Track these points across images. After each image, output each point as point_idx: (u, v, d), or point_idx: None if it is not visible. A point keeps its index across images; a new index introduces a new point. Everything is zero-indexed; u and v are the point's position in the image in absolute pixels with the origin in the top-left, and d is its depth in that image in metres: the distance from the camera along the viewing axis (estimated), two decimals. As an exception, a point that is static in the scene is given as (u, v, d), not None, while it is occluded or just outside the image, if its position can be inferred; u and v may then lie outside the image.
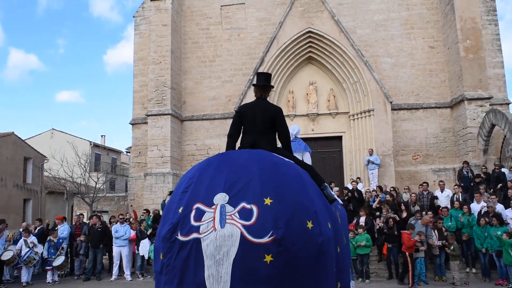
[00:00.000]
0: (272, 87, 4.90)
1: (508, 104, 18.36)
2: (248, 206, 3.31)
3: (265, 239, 3.19)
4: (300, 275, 3.29)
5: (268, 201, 3.33)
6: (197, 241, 3.27)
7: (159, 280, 3.65)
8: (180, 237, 3.36)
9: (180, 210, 3.49)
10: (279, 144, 4.49)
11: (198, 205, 3.42)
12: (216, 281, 3.16)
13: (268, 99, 4.59)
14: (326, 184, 4.13)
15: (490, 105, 17.04)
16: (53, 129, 36.78)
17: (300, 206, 3.43)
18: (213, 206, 3.36)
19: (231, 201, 3.36)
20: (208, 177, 3.61)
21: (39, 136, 36.11)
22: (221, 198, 3.39)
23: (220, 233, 3.22)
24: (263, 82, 4.48)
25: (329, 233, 3.56)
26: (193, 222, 3.35)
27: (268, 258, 3.17)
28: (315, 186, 3.89)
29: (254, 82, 4.52)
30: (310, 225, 3.39)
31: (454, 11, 17.63)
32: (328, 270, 3.52)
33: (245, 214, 3.28)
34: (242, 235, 3.20)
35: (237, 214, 3.29)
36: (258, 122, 4.27)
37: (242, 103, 17.34)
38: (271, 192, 3.39)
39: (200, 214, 3.36)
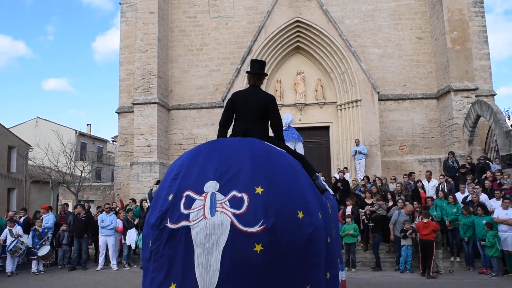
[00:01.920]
0: (266, 75, 4.85)
1: (493, 95, 18.56)
2: (239, 194, 3.29)
3: (256, 228, 3.17)
4: (290, 265, 3.28)
5: (259, 190, 3.31)
6: (187, 229, 3.24)
7: (147, 268, 3.62)
8: (169, 225, 3.33)
9: (170, 198, 3.45)
10: (271, 133, 4.45)
11: (188, 192, 3.39)
12: (205, 270, 3.13)
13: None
14: (317, 174, 4.11)
15: (476, 96, 17.20)
16: (37, 117, 36.24)
17: (291, 196, 3.42)
18: (204, 194, 3.32)
19: (222, 189, 3.33)
20: (199, 165, 3.57)
21: (24, 124, 35.55)
22: (211, 186, 3.35)
23: (210, 221, 3.19)
24: (257, 70, 4.44)
25: (320, 223, 3.55)
26: (182, 210, 3.32)
27: (258, 248, 3.15)
28: (307, 176, 3.87)
29: (247, 69, 4.46)
30: (301, 215, 3.38)
31: (441, 2, 17.70)
32: (318, 260, 3.52)
33: (235, 203, 3.26)
34: (232, 223, 3.18)
35: (227, 203, 3.26)
36: (251, 110, 4.24)
37: (229, 92, 17.26)
38: (263, 181, 3.36)
39: (190, 202, 3.33)
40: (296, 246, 3.29)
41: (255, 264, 3.15)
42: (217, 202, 3.27)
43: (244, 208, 3.23)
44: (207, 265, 3.14)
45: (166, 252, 3.34)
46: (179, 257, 3.26)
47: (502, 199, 11.04)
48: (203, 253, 3.15)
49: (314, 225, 3.43)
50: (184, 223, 3.27)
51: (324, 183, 4.33)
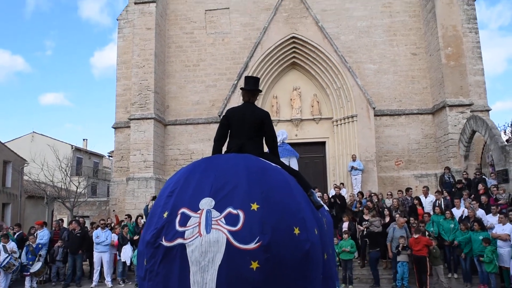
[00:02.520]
0: (260, 91, 4.87)
1: (488, 110, 18.67)
2: (234, 211, 3.26)
3: (252, 245, 3.14)
4: (286, 281, 3.24)
5: (255, 206, 3.28)
6: (182, 247, 3.20)
7: (142, 286, 3.57)
8: (164, 243, 3.29)
9: (165, 215, 3.42)
10: (265, 149, 4.45)
11: (183, 209, 3.35)
12: None
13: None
14: (312, 190, 4.10)
15: (471, 111, 17.29)
16: (34, 132, 36.20)
17: (287, 212, 3.39)
18: (199, 211, 3.29)
19: (217, 206, 3.30)
20: (194, 182, 3.54)
21: (19, 139, 35.47)
22: (207, 203, 3.32)
23: (206, 238, 3.16)
24: (251, 86, 4.44)
25: (316, 239, 3.52)
26: (178, 227, 3.28)
27: (255, 265, 3.11)
28: (302, 191, 3.85)
29: (242, 86, 4.47)
30: (297, 231, 3.35)
31: (435, 19, 17.89)
32: (315, 276, 3.49)
33: (231, 220, 3.22)
34: (228, 241, 3.14)
35: (223, 220, 3.23)
36: (246, 126, 4.23)
37: (226, 108, 17.30)
38: (258, 197, 3.34)
39: (185, 219, 3.30)
40: (292, 262, 3.26)
41: (251, 282, 3.10)
42: (212, 219, 3.23)
43: (239, 225, 3.19)
44: (203, 283, 3.09)
45: (161, 270, 3.30)
46: (175, 276, 3.22)
47: (498, 214, 11.04)
48: (198, 271, 3.11)
49: (310, 241, 3.40)
50: (179, 240, 3.23)
51: (319, 199, 4.31)
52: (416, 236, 10.76)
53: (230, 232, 3.17)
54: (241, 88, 4.50)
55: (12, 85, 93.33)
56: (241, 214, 3.24)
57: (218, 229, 3.18)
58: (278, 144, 5.41)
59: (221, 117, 4.41)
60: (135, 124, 18.21)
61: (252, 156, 3.96)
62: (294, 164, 6.92)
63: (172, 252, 3.24)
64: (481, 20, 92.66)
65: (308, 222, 3.50)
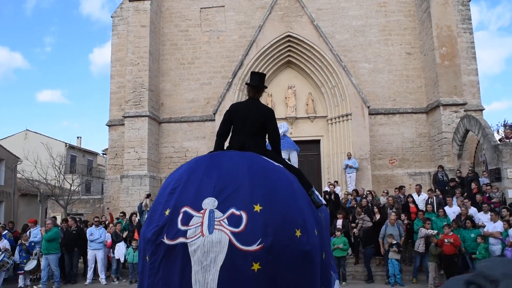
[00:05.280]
0: (266, 87, 4.83)
1: (481, 110, 18.80)
2: (237, 212, 3.27)
3: (254, 247, 3.16)
4: (287, 283, 3.28)
5: (257, 208, 3.30)
6: (184, 246, 3.21)
7: (142, 282, 3.58)
8: (166, 241, 3.30)
9: (166, 213, 3.41)
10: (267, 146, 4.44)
11: (186, 208, 3.35)
12: None
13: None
14: (313, 189, 4.11)
15: (464, 111, 17.41)
16: (27, 130, 35.98)
17: (289, 214, 3.40)
18: (202, 211, 3.30)
19: (220, 206, 3.30)
20: (197, 180, 3.54)
21: (13, 137, 35.24)
22: (210, 203, 3.33)
23: (208, 239, 3.17)
24: (257, 83, 4.38)
25: (316, 240, 3.55)
26: (180, 226, 3.28)
27: (256, 266, 3.14)
28: (304, 192, 3.86)
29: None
30: (298, 233, 3.37)
31: (430, 19, 17.97)
32: (314, 277, 3.53)
33: (234, 221, 3.24)
34: (230, 242, 3.16)
35: (226, 220, 3.24)
36: (249, 123, 4.18)
37: (220, 106, 17.31)
38: (261, 198, 3.35)
39: (187, 218, 3.30)
40: (293, 264, 3.29)
41: (253, 283, 3.13)
42: (215, 219, 3.25)
43: (242, 227, 3.21)
44: (204, 283, 3.11)
45: (162, 268, 3.31)
46: (176, 274, 3.23)
47: (489, 212, 11.13)
48: (200, 271, 3.13)
49: (311, 243, 3.43)
50: (181, 239, 3.24)
51: (320, 198, 4.33)
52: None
53: (233, 233, 3.18)
54: (246, 83, 4.46)
55: (10, 82, 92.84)
56: (244, 215, 3.25)
57: (220, 230, 3.20)
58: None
59: (225, 112, 4.38)
60: (129, 122, 18.16)
61: (255, 155, 3.94)
62: (294, 157, 6.93)
63: (174, 251, 3.25)
64: (481, 21, 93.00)
65: (309, 224, 3.53)
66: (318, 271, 3.60)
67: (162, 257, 3.31)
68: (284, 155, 5.89)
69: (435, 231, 11.31)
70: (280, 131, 6.65)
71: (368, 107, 17.70)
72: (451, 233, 10.84)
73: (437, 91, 17.62)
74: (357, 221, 12.53)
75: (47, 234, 11.76)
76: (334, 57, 17.91)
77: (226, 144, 4.33)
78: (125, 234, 13.20)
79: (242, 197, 3.34)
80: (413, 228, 12.11)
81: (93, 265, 12.64)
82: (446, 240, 10.69)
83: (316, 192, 4.20)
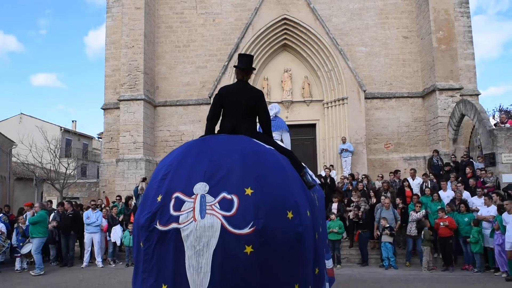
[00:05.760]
0: (254, 69, 4.79)
1: (477, 95, 18.78)
2: (228, 196, 3.29)
3: (246, 230, 3.18)
4: (280, 265, 3.31)
5: (249, 191, 3.31)
6: (177, 231, 3.24)
7: (138, 268, 3.61)
8: (159, 226, 3.32)
9: (158, 199, 3.44)
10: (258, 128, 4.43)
11: (177, 194, 3.37)
12: (196, 272, 3.15)
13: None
14: (305, 169, 4.11)
15: (460, 95, 17.40)
16: (21, 113, 35.74)
17: (280, 196, 3.43)
18: (193, 196, 3.31)
19: (212, 191, 3.32)
20: (188, 165, 3.54)
21: (7, 120, 35.03)
22: (201, 187, 3.34)
23: (200, 223, 3.19)
24: (244, 64, 4.36)
25: (308, 222, 3.58)
26: (172, 212, 3.31)
27: (249, 249, 3.17)
28: (296, 174, 3.87)
29: (234, 65, 4.42)
30: (290, 215, 3.40)
31: (428, 2, 17.85)
32: (307, 258, 3.56)
33: (225, 205, 3.26)
34: (222, 226, 3.18)
35: (217, 205, 3.26)
36: (240, 106, 4.17)
37: (216, 89, 17.21)
38: (252, 182, 3.36)
39: (179, 204, 3.32)
40: (285, 246, 3.32)
41: (246, 266, 3.16)
42: (207, 204, 3.26)
43: (234, 210, 3.23)
44: (198, 267, 3.15)
45: (156, 253, 3.35)
46: (170, 259, 3.26)
47: (483, 196, 11.22)
48: (193, 255, 3.16)
49: (303, 224, 3.46)
50: (174, 225, 3.26)
51: (313, 178, 4.33)
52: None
53: (225, 217, 3.21)
54: (234, 66, 4.44)
55: (4, 65, 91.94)
56: (235, 199, 3.27)
57: (212, 214, 3.22)
58: (271, 118, 5.40)
59: (214, 95, 4.35)
60: (125, 105, 18.06)
61: (246, 138, 3.95)
62: (286, 138, 6.88)
63: (167, 236, 3.27)
64: (479, 5, 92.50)
65: (301, 206, 3.55)
66: (311, 251, 3.64)
67: (155, 243, 3.34)
68: (276, 136, 5.86)
69: (423, 211, 11.45)
70: (272, 112, 6.60)
71: (364, 91, 17.67)
72: (446, 216, 10.97)
73: (434, 75, 17.58)
74: (354, 204, 12.58)
75: (32, 217, 11.78)
76: (331, 40, 17.80)
77: (217, 128, 4.31)
78: (121, 217, 13.23)
79: (233, 181, 3.35)
80: (407, 212, 12.20)
81: (89, 248, 12.68)
82: (441, 223, 10.87)
83: (310, 172, 4.21)
